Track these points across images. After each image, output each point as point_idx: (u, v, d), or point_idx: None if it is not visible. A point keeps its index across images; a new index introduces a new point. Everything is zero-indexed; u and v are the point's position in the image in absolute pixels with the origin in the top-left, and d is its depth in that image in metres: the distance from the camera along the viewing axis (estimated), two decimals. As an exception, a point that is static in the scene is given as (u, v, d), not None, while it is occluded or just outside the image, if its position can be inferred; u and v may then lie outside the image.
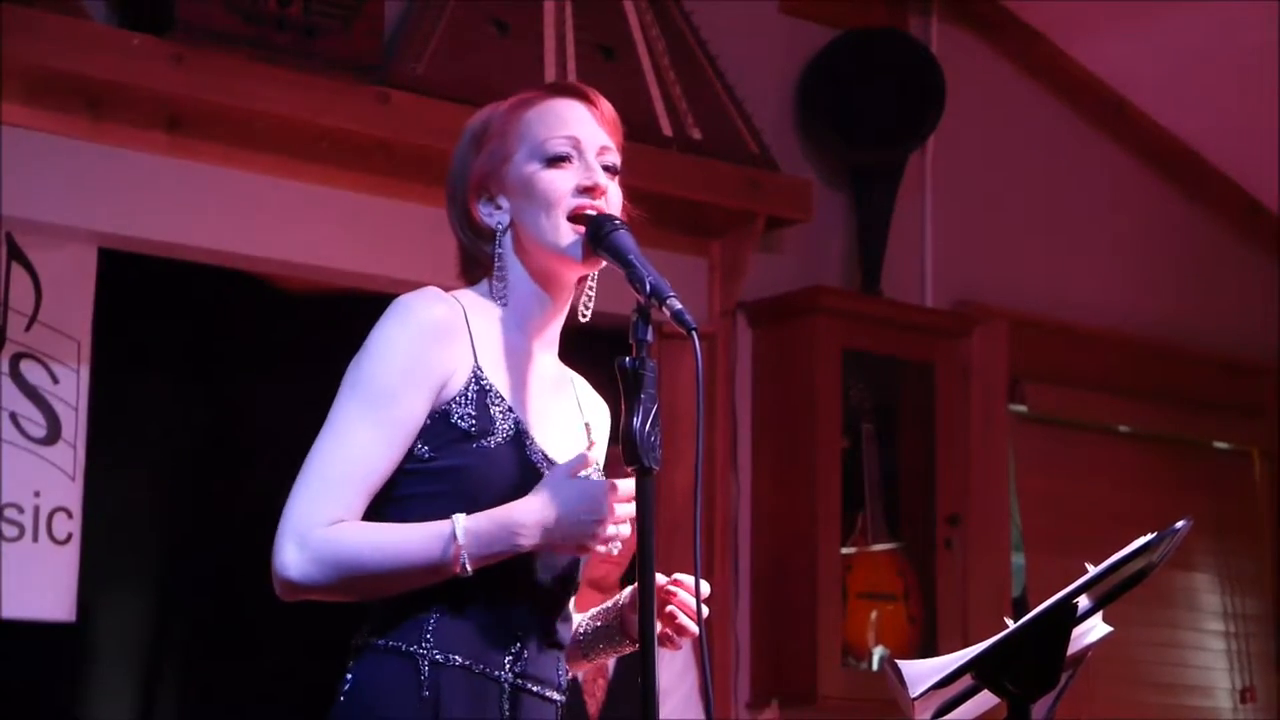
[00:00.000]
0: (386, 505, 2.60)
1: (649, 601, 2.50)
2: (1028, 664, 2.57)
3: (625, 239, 2.62)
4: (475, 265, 2.77)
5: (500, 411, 2.63)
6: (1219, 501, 6.56)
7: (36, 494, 4.56)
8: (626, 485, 2.56)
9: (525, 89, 2.78)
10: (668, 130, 5.31)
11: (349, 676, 2.62)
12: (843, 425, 5.57)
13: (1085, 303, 6.34)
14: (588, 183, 2.67)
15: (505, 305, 2.71)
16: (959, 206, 6.11)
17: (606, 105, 2.76)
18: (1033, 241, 6.28)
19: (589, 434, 2.79)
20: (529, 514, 2.55)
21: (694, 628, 2.66)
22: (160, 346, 5.27)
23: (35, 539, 4.55)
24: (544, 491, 2.57)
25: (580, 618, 2.82)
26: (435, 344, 2.61)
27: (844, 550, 5.53)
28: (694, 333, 2.51)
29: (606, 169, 2.71)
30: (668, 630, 2.69)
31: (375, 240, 4.91)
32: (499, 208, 2.71)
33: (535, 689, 2.64)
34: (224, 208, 4.72)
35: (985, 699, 2.69)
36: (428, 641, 2.58)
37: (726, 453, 5.53)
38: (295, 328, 5.26)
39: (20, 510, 4.54)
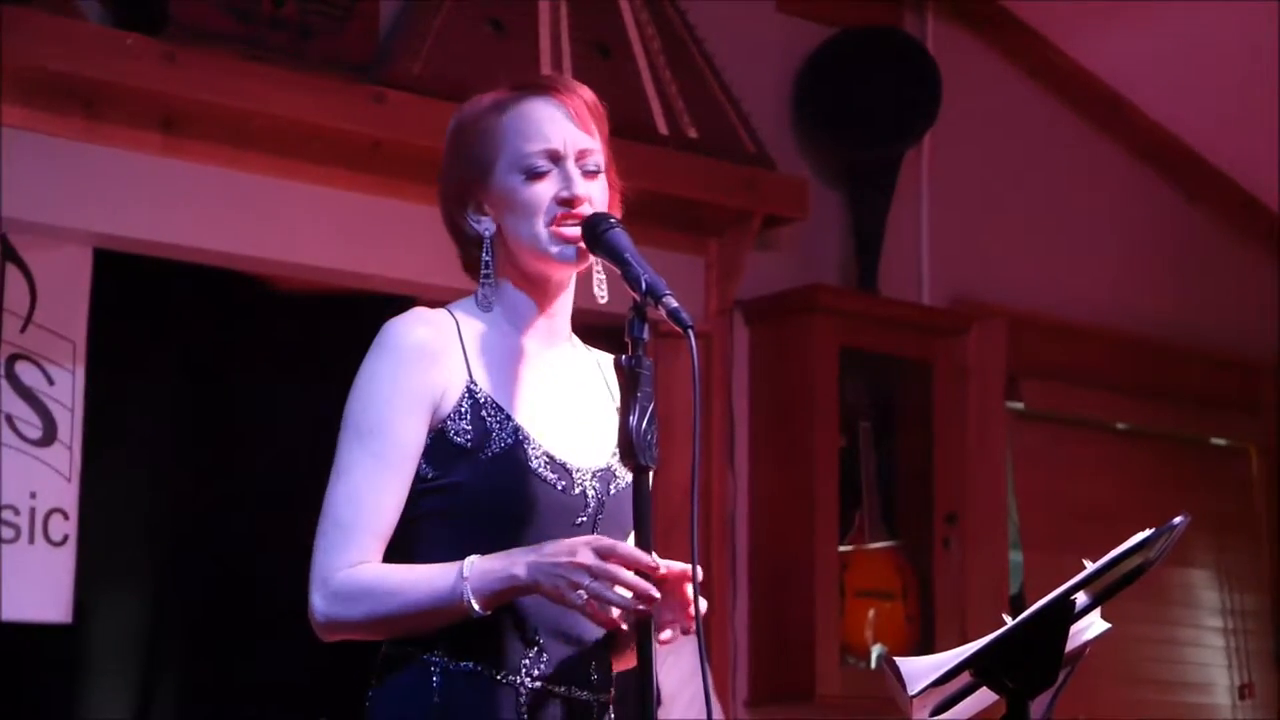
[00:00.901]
0: (402, 527, 2.62)
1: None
2: (1026, 661, 2.57)
3: (621, 237, 2.61)
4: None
5: (497, 421, 2.63)
6: (1216, 498, 6.56)
7: (32, 496, 4.56)
8: (633, 552, 2.50)
9: (498, 86, 2.75)
10: (664, 129, 5.30)
11: (374, 684, 2.65)
12: (840, 423, 5.57)
13: (1082, 300, 6.34)
14: (566, 194, 2.66)
15: (490, 311, 2.69)
16: (956, 204, 6.11)
17: (584, 95, 2.73)
18: (1030, 239, 6.28)
19: None
20: (528, 549, 2.54)
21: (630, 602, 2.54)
22: (156, 347, 5.27)
23: (31, 541, 4.54)
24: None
25: None
26: (419, 367, 2.61)
27: (842, 548, 5.53)
28: (690, 331, 2.50)
29: (588, 173, 2.69)
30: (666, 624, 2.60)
31: (371, 240, 4.90)
32: (485, 214, 2.71)
33: (561, 690, 2.62)
34: (219, 208, 4.71)
35: (983, 696, 2.69)
36: (440, 648, 2.58)
37: (724, 451, 5.53)
38: (290, 328, 5.25)
39: (16, 512, 4.53)
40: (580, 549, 2.50)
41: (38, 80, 4.42)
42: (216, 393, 5.43)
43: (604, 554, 2.48)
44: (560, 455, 2.66)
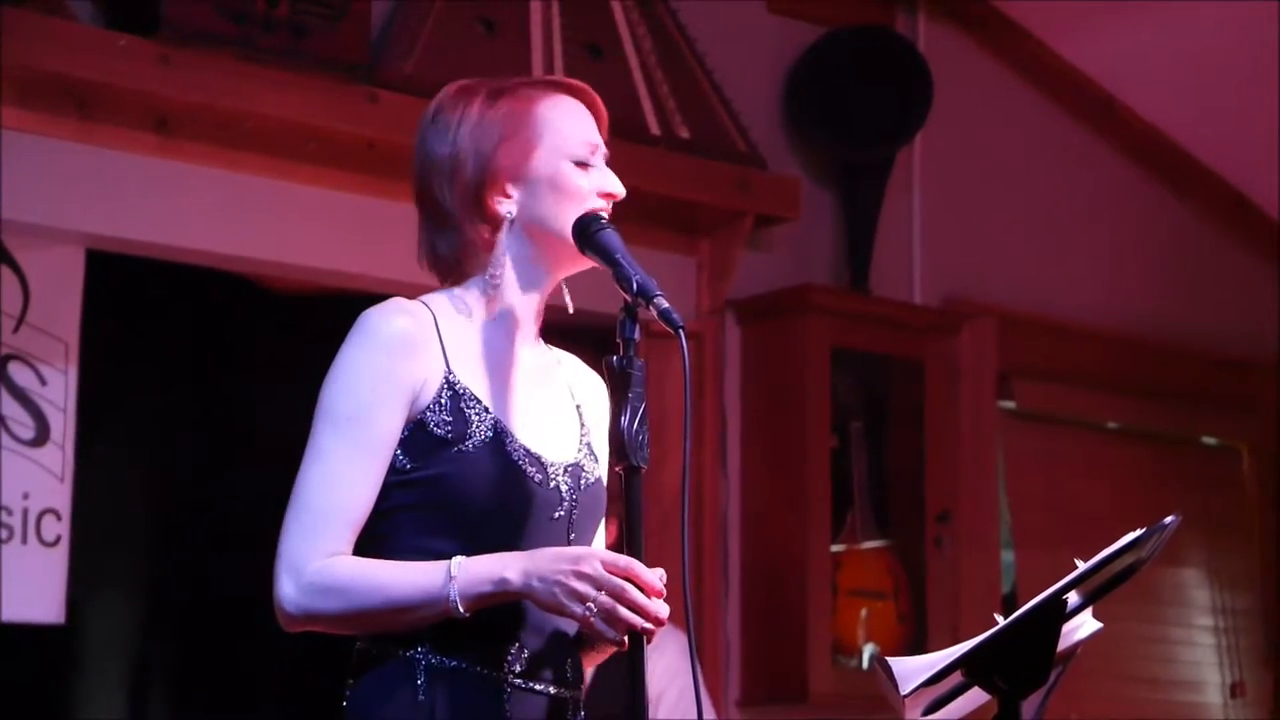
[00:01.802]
0: (373, 519, 2.58)
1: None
2: (1018, 660, 2.57)
3: (612, 238, 2.61)
4: (452, 265, 2.75)
5: (476, 413, 2.61)
6: (1208, 497, 6.56)
7: (25, 496, 4.56)
8: (647, 575, 2.48)
9: (519, 81, 2.75)
10: (655, 129, 5.31)
11: (350, 681, 2.62)
12: (832, 423, 5.57)
13: (1074, 299, 6.35)
14: (608, 189, 2.68)
15: (495, 295, 2.69)
16: (947, 204, 6.11)
17: (601, 104, 2.76)
18: (1021, 238, 6.28)
19: (581, 417, 2.75)
20: (520, 554, 2.53)
21: (641, 622, 2.50)
22: (149, 348, 5.27)
23: (24, 541, 4.54)
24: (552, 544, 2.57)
25: None
26: (399, 357, 2.60)
27: (834, 548, 5.53)
28: (681, 331, 2.50)
29: None
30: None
31: (364, 240, 4.90)
32: (509, 197, 2.70)
33: (540, 687, 2.62)
34: (213, 208, 4.71)
35: (975, 696, 2.69)
36: (424, 645, 2.57)
37: (715, 451, 5.53)
38: (284, 328, 5.26)
39: (9, 513, 4.53)
40: (586, 560, 2.48)
41: (32, 81, 4.42)
42: (209, 393, 5.44)
43: (618, 571, 2.47)
44: (535, 449, 2.65)
